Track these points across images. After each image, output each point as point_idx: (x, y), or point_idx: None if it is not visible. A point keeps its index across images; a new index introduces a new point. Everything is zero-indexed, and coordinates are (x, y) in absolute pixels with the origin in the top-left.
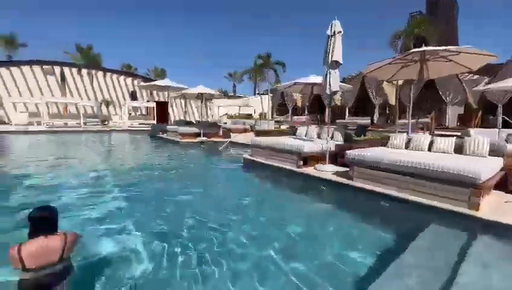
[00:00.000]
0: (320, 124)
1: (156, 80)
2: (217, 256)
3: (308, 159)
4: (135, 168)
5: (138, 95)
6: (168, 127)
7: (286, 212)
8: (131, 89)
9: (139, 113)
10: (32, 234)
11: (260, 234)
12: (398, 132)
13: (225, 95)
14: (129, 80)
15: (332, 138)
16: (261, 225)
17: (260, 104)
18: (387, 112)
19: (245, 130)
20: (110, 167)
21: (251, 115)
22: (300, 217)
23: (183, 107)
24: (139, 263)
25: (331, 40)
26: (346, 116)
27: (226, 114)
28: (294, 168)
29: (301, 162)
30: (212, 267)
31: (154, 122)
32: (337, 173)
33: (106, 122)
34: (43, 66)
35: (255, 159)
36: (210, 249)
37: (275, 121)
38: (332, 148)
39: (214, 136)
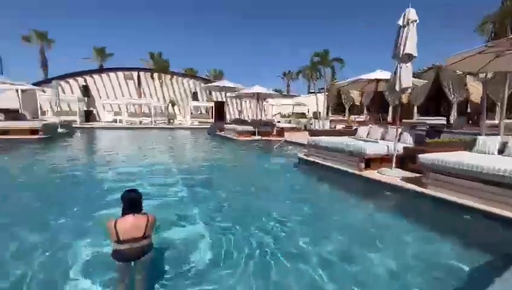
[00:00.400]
0: (382, 123)
1: (214, 82)
2: (271, 251)
3: (371, 162)
4: (199, 162)
5: (198, 95)
6: (226, 125)
7: (344, 217)
8: (193, 90)
9: (199, 112)
10: (124, 212)
11: (315, 241)
12: (486, 134)
13: (279, 94)
14: (191, 81)
15: (399, 139)
16: (315, 229)
17: (315, 103)
18: (468, 110)
19: (298, 130)
20: (178, 160)
21: (305, 114)
22: (360, 225)
23: (238, 106)
24: (201, 246)
25: (403, 30)
26: (415, 116)
27: (279, 113)
28: (355, 171)
29: (363, 165)
30: (267, 261)
31: (212, 120)
32: (405, 179)
33: (172, 121)
34: (124, 72)
35: (311, 159)
36: (265, 243)
37: (330, 121)
38: (400, 151)
39: (268, 135)
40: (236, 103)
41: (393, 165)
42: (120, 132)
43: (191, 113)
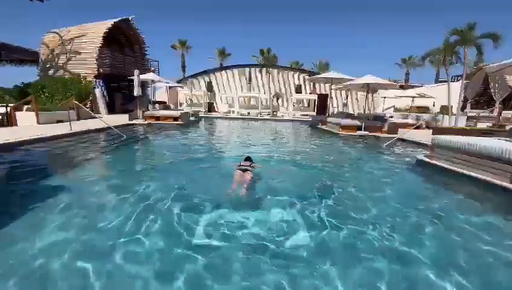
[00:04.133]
0: None
1: (319, 73)
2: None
3: None
4: (299, 153)
5: (302, 88)
6: (329, 118)
7: (488, 253)
8: (297, 83)
9: (301, 105)
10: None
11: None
12: None
13: (395, 83)
14: (296, 74)
15: None
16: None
17: (445, 94)
18: None
19: (418, 127)
20: (277, 148)
21: (428, 108)
22: None
23: (343, 99)
24: (295, 229)
25: None
26: None
27: (393, 106)
28: (507, 185)
29: None
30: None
31: (314, 113)
32: None
33: (275, 113)
34: (239, 69)
35: (435, 162)
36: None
37: (468, 117)
38: None
39: (377, 131)
40: (341, 96)
41: None
42: (232, 121)
43: (294, 105)
